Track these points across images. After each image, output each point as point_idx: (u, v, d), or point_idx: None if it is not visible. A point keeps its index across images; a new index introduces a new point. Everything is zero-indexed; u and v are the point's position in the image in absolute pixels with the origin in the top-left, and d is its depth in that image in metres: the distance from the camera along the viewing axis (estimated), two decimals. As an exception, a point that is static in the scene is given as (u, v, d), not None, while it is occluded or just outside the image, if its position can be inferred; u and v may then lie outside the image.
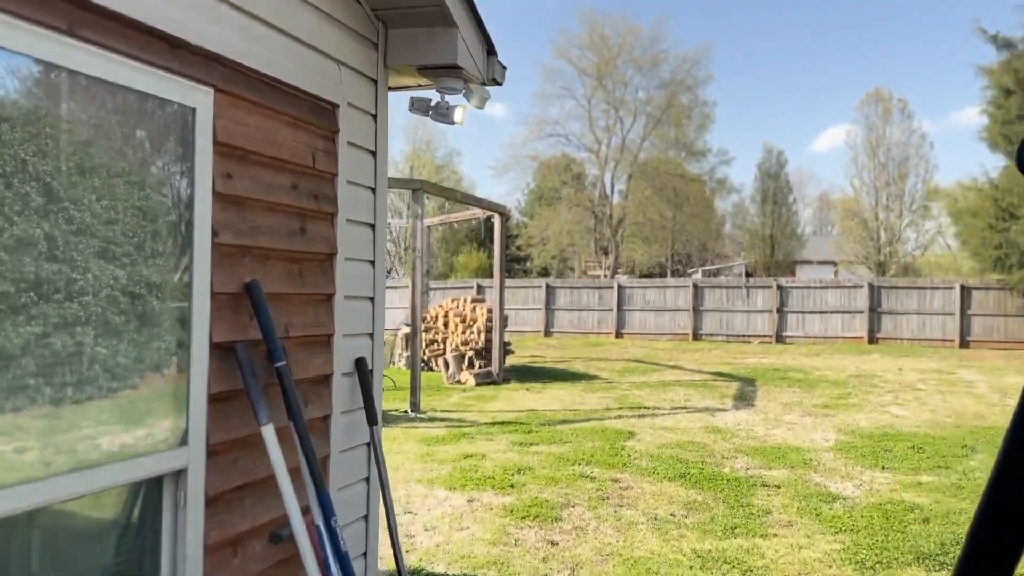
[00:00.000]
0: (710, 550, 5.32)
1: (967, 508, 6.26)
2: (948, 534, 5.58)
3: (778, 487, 7.03)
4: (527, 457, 8.12)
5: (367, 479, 3.00)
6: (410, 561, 5.19)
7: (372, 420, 2.86)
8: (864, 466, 7.84)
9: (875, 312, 23.07)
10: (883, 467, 7.78)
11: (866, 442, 8.98)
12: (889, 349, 21.70)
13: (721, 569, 4.98)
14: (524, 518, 6.02)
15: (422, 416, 10.80)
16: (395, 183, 11.70)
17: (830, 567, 5.02)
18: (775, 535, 5.66)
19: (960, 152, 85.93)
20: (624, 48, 46.00)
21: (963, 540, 4.46)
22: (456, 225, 51.74)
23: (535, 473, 7.40)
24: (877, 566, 5.01)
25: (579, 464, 7.80)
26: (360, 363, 2.88)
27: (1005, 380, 14.91)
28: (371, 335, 3.03)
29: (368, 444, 2.94)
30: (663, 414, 11.05)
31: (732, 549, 5.35)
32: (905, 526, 5.81)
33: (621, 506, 6.42)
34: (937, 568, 4.97)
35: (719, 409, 11.59)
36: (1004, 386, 14.03)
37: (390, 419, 10.53)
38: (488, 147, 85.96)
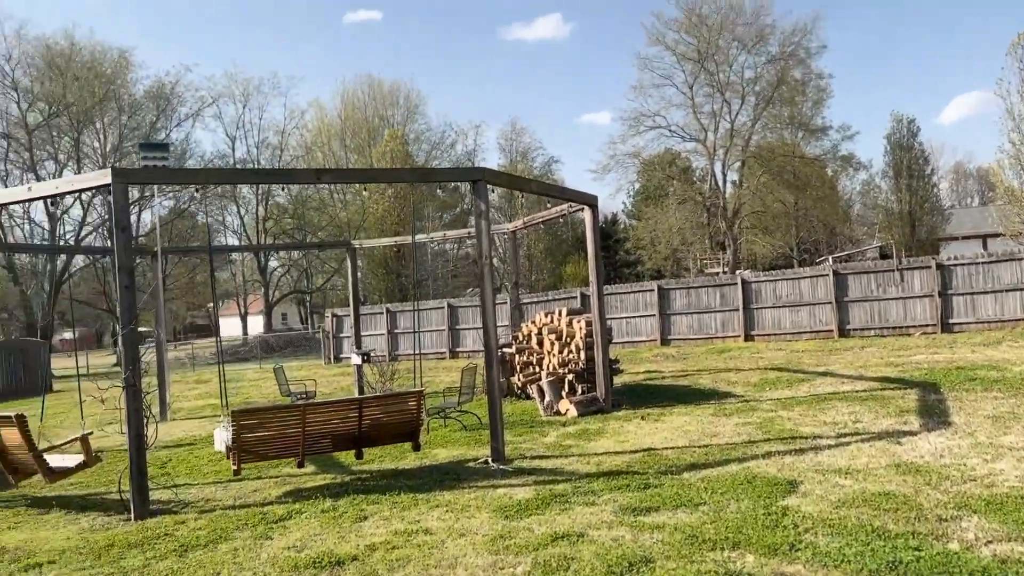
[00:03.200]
0: None
1: None
2: None
3: (1067, 585, 4.16)
4: (643, 536, 5.56)
5: None
6: None
7: None
8: None
9: (1067, 286, 18.90)
10: None
11: None
12: (1093, 329, 17.55)
13: None
14: None
15: (507, 468, 8.37)
16: (451, 174, 9.41)
17: None
18: None
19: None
20: (726, 26, 42.45)
21: None
22: (548, 235, 49.31)
23: (655, 572, 4.83)
24: None
25: (722, 548, 5.17)
26: None
27: None
28: None
29: None
30: (828, 446, 8.17)
31: None
32: None
33: (803, 641, 3.76)
34: None
35: (904, 432, 8.58)
36: None
37: (464, 476, 8.15)
38: (589, 151, 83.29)
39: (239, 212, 53.06)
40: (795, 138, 46.56)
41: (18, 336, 38.78)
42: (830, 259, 37.87)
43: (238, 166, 50.45)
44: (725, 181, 46.04)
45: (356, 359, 16.17)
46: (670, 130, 44.96)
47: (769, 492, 6.44)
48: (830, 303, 21.50)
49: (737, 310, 22.86)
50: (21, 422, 6.96)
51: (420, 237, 16.90)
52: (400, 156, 49.78)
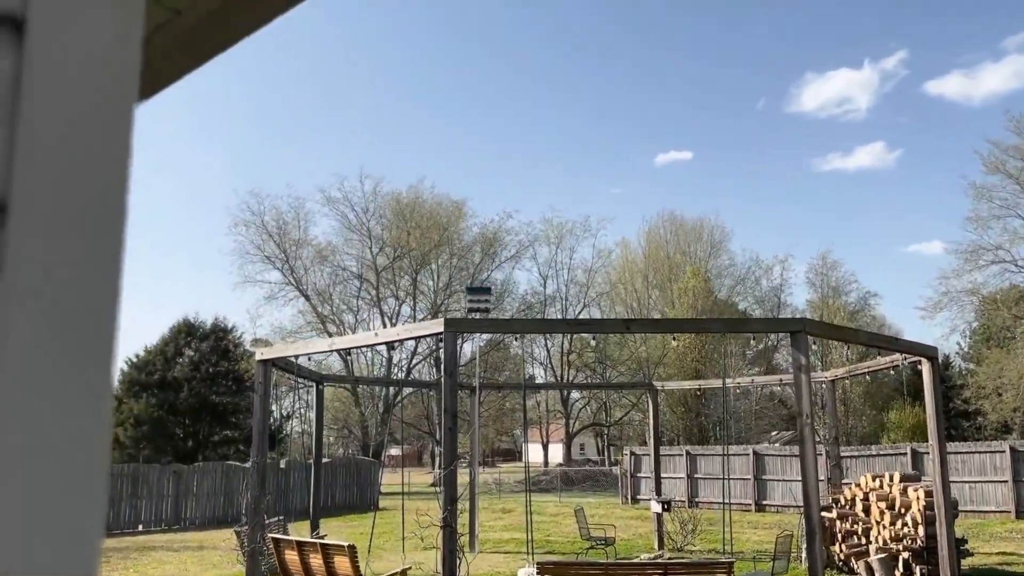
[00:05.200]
0: None
1: None
2: None
3: None
4: None
5: None
6: None
7: None
8: None
9: None
10: None
11: None
12: None
13: None
14: None
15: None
16: (767, 325, 8.96)
17: None
18: None
19: None
20: (1083, 147, 36.94)
21: None
22: (869, 377, 44.63)
23: None
24: None
25: None
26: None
27: None
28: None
29: None
30: None
31: None
32: None
33: None
34: None
35: None
36: None
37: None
38: (914, 285, 75.75)
39: (546, 344, 56.02)
40: None
41: (354, 453, 43.77)
42: None
43: (548, 303, 53.67)
44: (1092, 321, 38.86)
45: (656, 507, 15.65)
46: (1016, 265, 39.46)
47: None
48: None
49: (1125, 484, 18.50)
50: (352, 553, 7.60)
51: (728, 382, 16.28)
52: (701, 292, 49.36)
